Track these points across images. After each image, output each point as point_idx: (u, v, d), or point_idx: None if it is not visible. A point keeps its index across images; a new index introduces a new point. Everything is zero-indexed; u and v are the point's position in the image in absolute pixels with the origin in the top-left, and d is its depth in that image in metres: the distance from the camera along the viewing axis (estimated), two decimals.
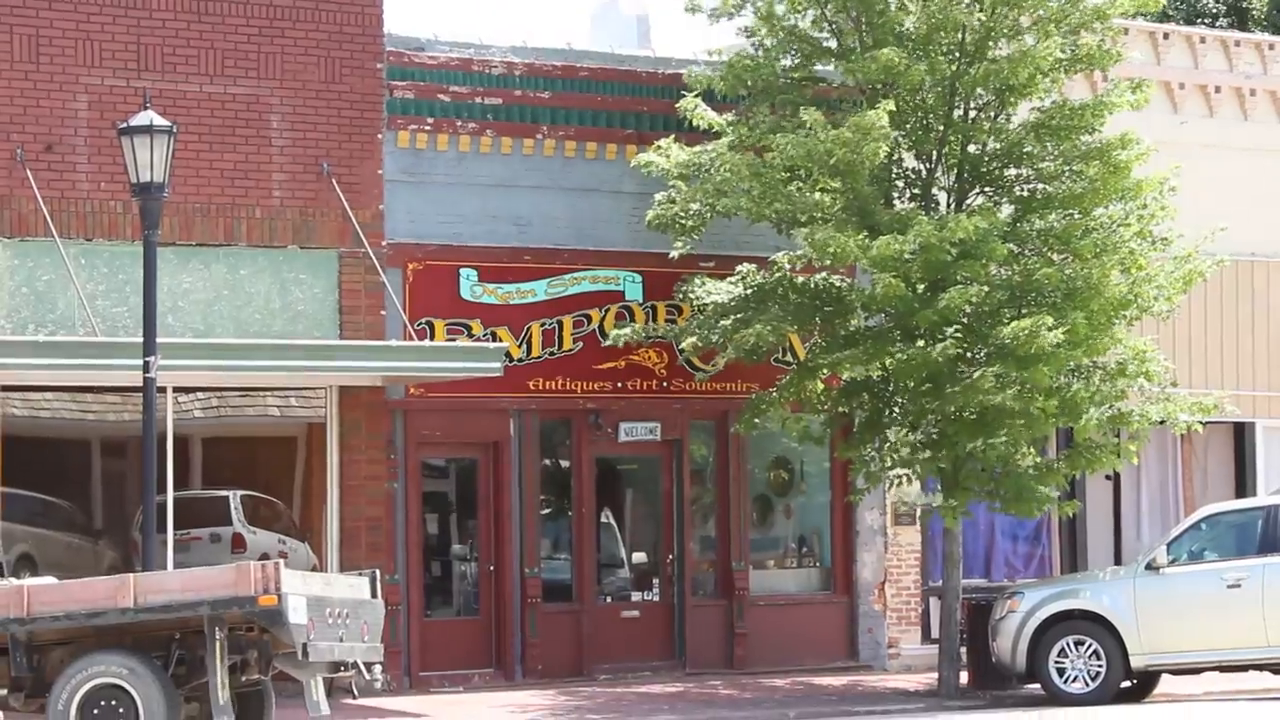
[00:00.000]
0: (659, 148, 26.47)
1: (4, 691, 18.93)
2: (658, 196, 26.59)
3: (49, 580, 20.45)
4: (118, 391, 23.79)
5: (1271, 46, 32.93)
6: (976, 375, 25.05)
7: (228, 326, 25.03)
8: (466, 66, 27.14)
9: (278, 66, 25.77)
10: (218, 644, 18.19)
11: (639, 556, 29.38)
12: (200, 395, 25.79)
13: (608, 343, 27.74)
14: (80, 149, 24.61)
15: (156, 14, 25.20)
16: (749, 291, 26.62)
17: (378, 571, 20.79)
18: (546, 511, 28.48)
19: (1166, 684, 26.39)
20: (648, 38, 30.98)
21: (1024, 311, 25.35)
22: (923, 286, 25.35)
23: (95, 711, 18.08)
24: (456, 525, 28.51)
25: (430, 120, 26.86)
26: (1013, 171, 26.84)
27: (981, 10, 26.01)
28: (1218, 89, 31.89)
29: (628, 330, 27.56)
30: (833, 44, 27.09)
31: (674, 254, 26.93)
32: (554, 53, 27.95)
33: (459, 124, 27.07)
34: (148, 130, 21.64)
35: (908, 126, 26.51)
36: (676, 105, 26.65)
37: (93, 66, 24.68)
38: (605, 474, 29.02)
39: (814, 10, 26.80)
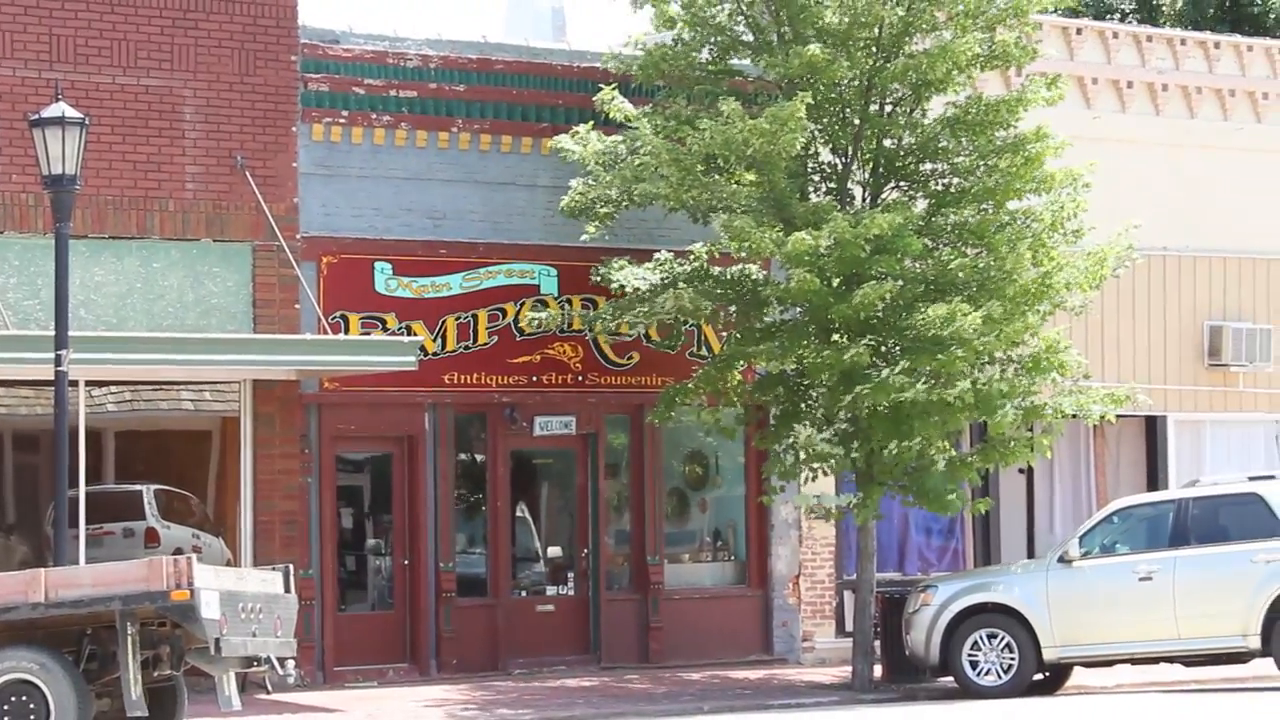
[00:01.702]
0: (576, 134, 26.58)
1: None
2: (573, 182, 26.68)
3: None
4: (30, 385, 23.65)
5: (1183, 41, 33.24)
6: (887, 373, 25.22)
7: (141, 320, 24.94)
8: (381, 59, 27.19)
9: (191, 59, 25.69)
10: (130, 639, 18.14)
11: (554, 551, 29.43)
12: (113, 389, 25.66)
13: (523, 326, 27.86)
14: None
15: (69, 5, 25.08)
16: (666, 279, 26.69)
17: (291, 566, 20.83)
18: (461, 506, 28.54)
19: (1079, 676, 26.60)
20: (563, 31, 31.02)
21: (943, 300, 25.53)
22: (838, 281, 25.44)
23: (5, 707, 17.99)
24: (371, 520, 28.50)
25: (345, 113, 26.92)
26: (928, 166, 27.02)
27: (900, 5, 26.23)
28: (1130, 84, 32.18)
29: (544, 314, 27.77)
30: (750, 38, 27.19)
31: (585, 238, 27.01)
32: (469, 45, 28.02)
33: (374, 117, 27.13)
34: (59, 122, 21.69)
35: (824, 120, 26.66)
36: (593, 98, 26.60)
37: (4, 58, 24.56)
38: (520, 468, 29.11)
39: (731, 4, 26.98)
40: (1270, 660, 25.54)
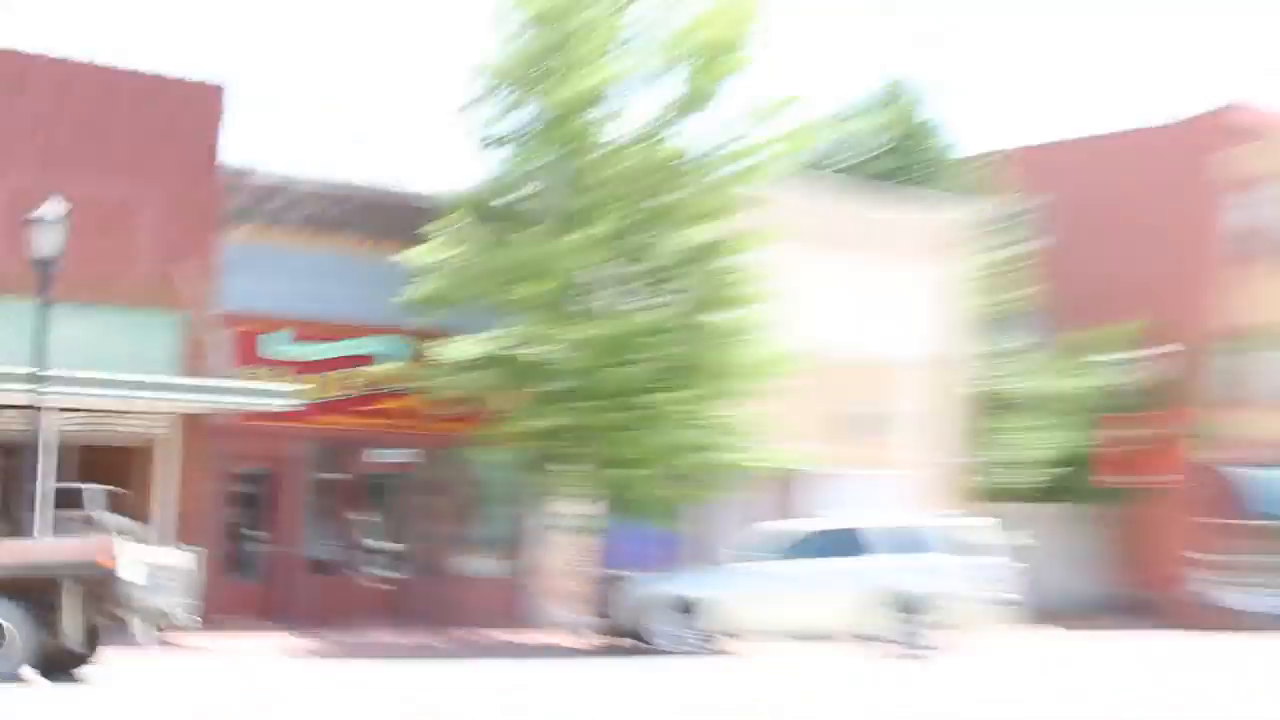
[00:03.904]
0: (417, 249, 26.27)
1: None
2: (415, 282, 26.30)
3: None
4: (16, 409, 22.82)
5: (853, 207, 33.32)
6: (631, 435, 25.50)
7: (99, 365, 24.43)
8: (284, 188, 27.36)
9: (146, 180, 25.65)
10: (70, 593, 18.34)
11: (387, 544, 29.09)
12: (76, 414, 24.82)
13: (374, 382, 28.03)
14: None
15: (59, 137, 25.08)
16: (481, 357, 26.69)
17: (197, 547, 21.33)
18: (320, 510, 28.35)
19: (737, 645, 26.58)
20: (411, 174, 30.34)
21: (670, 386, 25.84)
22: (604, 363, 25.53)
23: None
24: (254, 516, 27.94)
25: (255, 224, 26.94)
26: (671, 284, 27.03)
27: (655, 171, 26.33)
28: (814, 232, 31.51)
29: (390, 372, 27.95)
30: (546, 183, 26.93)
31: (421, 321, 26.87)
32: (342, 185, 28.13)
33: (273, 228, 27.19)
34: (46, 219, 21.86)
35: (598, 249, 26.37)
36: (434, 223, 26.55)
37: (4, 172, 24.47)
38: (366, 485, 29.05)
39: (537, 160, 26.72)
40: (863, 642, 26.11)
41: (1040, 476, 37.79)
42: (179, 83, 26.23)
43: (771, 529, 27.92)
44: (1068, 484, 39.49)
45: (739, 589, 26.44)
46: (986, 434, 36.36)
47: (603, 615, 27.15)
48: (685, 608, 26.31)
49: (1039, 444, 37.76)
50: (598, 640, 27.00)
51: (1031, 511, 38.17)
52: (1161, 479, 39.12)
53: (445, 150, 29.01)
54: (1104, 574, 39.91)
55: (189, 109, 26.23)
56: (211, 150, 26.38)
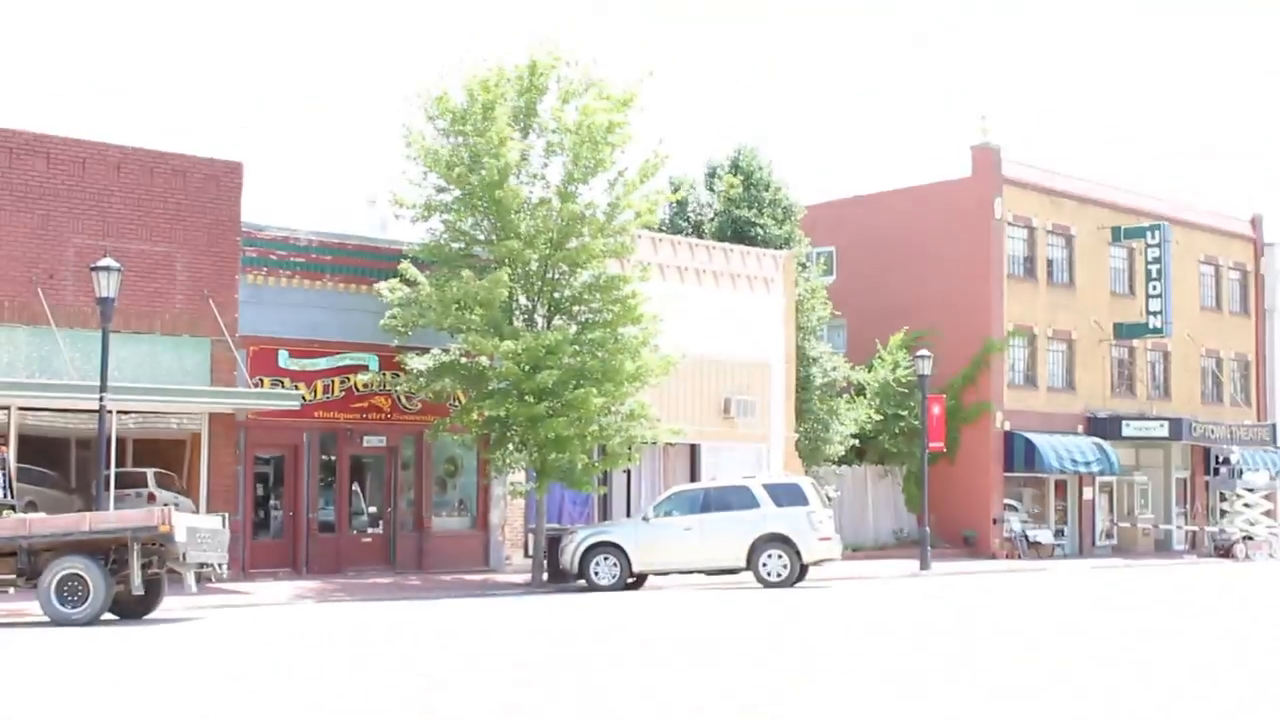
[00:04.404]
0: (388, 286, 26.45)
1: (12, 577, 18.74)
2: (388, 313, 26.53)
3: (42, 515, 20.37)
4: (88, 411, 23.07)
5: (713, 247, 33.59)
6: (551, 422, 25.42)
7: (148, 378, 24.85)
8: (286, 240, 27.17)
9: (181, 237, 25.66)
10: (135, 551, 18.41)
11: (373, 508, 29.01)
12: (133, 414, 25.06)
13: (358, 386, 27.82)
14: (69, 276, 24.43)
15: (113, 206, 25.02)
16: (436, 365, 26.70)
17: (227, 515, 21.11)
18: (323, 483, 28.24)
19: (653, 581, 27.11)
20: (385, 228, 29.55)
21: (581, 384, 25.90)
22: (528, 368, 25.61)
23: (65, 589, 18.15)
24: (272, 490, 27.78)
25: (265, 269, 26.85)
26: (578, 307, 27.07)
27: (562, 222, 26.23)
28: (684, 267, 32.68)
29: (370, 380, 27.78)
30: (480, 236, 26.73)
31: (394, 341, 27.12)
32: (335, 235, 27.95)
33: (282, 272, 27.07)
34: (106, 269, 22.01)
35: (521, 282, 26.65)
36: (399, 266, 26.54)
37: (75, 233, 24.64)
38: (355, 464, 28.78)
39: (471, 218, 26.67)
40: (749, 572, 26.26)
41: (851, 444, 37.99)
42: (207, 161, 26.03)
43: (680, 488, 27.82)
44: (879, 448, 39.94)
45: (656, 537, 26.24)
46: (814, 413, 36.62)
47: (549, 560, 26.89)
48: (616, 553, 26.10)
49: (853, 420, 37.92)
50: (545, 580, 26.83)
51: (853, 472, 38.95)
52: (942, 445, 39.03)
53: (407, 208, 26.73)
54: (907, 517, 40.12)
55: (214, 181, 26.04)
56: (233, 212, 26.19)
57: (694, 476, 32.20)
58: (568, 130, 26.44)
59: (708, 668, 12.96)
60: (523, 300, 27.04)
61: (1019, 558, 39.23)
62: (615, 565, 26.08)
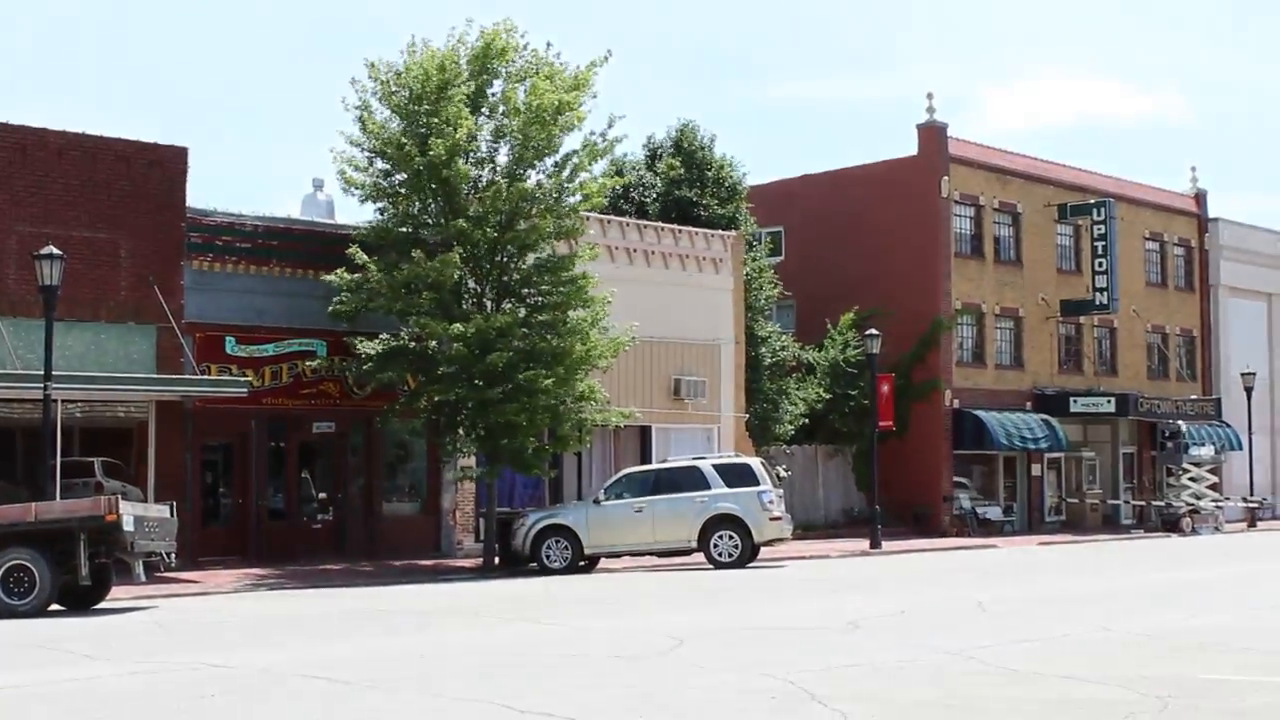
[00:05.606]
0: (336, 272, 26.36)
1: None
2: (336, 299, 26.50)
3: None
4: (33, 401, 22.85)
5: (661, 228, 33.68)
6: (502, 408, 25.34)
7: (94, 366, 24.77)
8: (232, 226, 27.17)
9: (125, 224, 25.58)
10: (82, 541, 18.29)
11: (323, 494, 29.14)
12: (78, 403, 24.93)
13: (306, 371, 27.84)
14: (11, 264, 24.43)
15: (56, 192, 24.91)
16: (386, 350, 26.66)
17: (175, 503, 21.07)
18: (272, 470, 28.26)
19: (604, 564, 27.19)
20: (333, 212, 30.35)
21: (532, 366, 25.72)
22: (478, 351, 25.49)
23: (10, 580, 17.98)
24: (222, 477, 27.91)
25: (211, 255, 26.81)
26: (527, 290, 26.97)
27: (511, 203, 26.03)
28: (633, 249, 32.84)
29: (318, 365, 27.80)
30: (428, 219, 26.59)
31: (343, 325, 27.15)
32: (281, 220, 28.04)
33: (227, 258, 27.03)
34: (49, 256, 21.96)
35: (470, 264, 26.52)
36: (347, 251, 26.35)
37: (17, 221, 24.59)
38: (305, 450, 28.92)
39: (418, 199, 26.44)
40: (701, 554, 26.47)
41: (802, 423, 38.28)
42: (151, 147, 25.87)
43: (631, 470, 27.93)
44: (828, 427, 40.18)
45: (608, 519, 26.34)
46: (764, 393, 36.89)
47: (501, 544, 26.89)
48: (567, 535, 26.20)
49: (803, 400, 38.25)
50: (497, 564, 26.80)
51: (803, 451, 39.26)
52: (891, 423, 39.25)
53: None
54: (857, 496, 40.43)
55: (159, 167, 25.88)
56: (178, 198, 26.04)
57: (645, 458, 32.25)
58: (517, 111, 26.37)
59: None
60: (472, 284, 26.97)
61: (969, 535, 39.76)
62: (567, 548, 26.15)
